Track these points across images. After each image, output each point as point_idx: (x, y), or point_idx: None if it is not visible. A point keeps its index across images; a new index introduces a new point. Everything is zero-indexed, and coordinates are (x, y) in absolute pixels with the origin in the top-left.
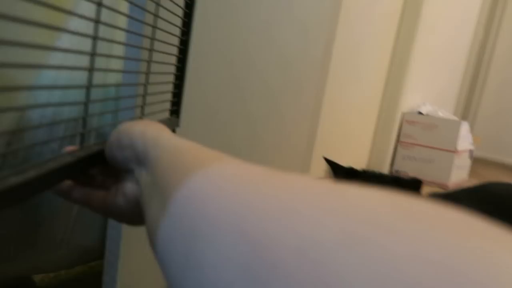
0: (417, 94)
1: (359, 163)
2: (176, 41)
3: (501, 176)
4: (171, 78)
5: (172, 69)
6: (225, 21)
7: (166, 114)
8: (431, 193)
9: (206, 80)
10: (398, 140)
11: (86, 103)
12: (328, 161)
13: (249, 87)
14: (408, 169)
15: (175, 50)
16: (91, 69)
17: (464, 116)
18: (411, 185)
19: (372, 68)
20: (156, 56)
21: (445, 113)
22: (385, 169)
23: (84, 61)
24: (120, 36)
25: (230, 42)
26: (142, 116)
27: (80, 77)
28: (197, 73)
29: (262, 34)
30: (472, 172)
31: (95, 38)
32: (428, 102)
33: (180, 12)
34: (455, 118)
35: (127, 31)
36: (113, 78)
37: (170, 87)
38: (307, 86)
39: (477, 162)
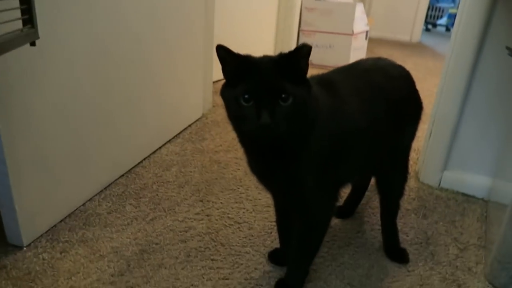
0: None
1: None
2: None
3: (394, 52)
4: None
5: None
6: None
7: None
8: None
9: None
10: (299, 29)
11: None
12: (223, 49)
13: None
14: (312, 57)
15: None
16: None
17: None
18: (306, 46)
19: None
20: None
21: None
22: None
23: None
24: None
25: None
26: None
27: None
28: None
29: None
30: (369, 52)
31: None
32: None
33: None
34: (350, 1)
35: None
36: None
37: None
38: None
39: (372, 42)
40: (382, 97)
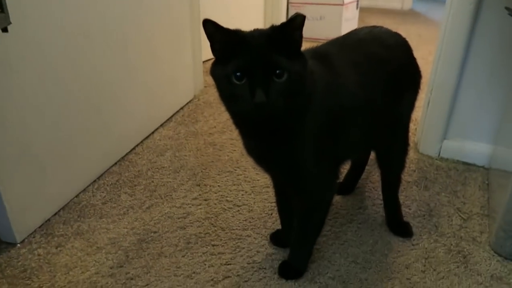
0: None
1: None
2: None
3: (386, 20)
4: None
5: None
6: None
7: None
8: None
9: None
10: (288, 2)
11: None
12: (210, 24)
13: None
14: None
15: None
16: None
17: None
18: (300, 16)
19: None
20: None
21: None
22: None
23: None
24: None
25: None
26: None
27: None
28: None
29: None
30: (360, 22)
31: None
32: None
33: None
34: None
35: None
36: None
37: None
38: None
39: (363, 11)
40: (380, 68)
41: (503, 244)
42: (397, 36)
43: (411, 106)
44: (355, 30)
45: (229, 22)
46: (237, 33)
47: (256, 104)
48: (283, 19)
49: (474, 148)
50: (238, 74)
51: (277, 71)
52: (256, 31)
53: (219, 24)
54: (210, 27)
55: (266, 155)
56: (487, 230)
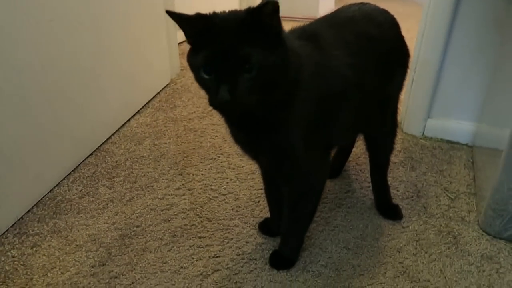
0: None
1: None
2: None
3: None
4: None
5: None
6: None
7: None
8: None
9: None
10: None
11: None
12: (172, 14)
13: None
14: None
15: None
16: None
17: None
18: (271, 3)
19: None
20: None
21: None
22: None
23: None
24: None
25: None
26: None
27: None
28: None
29: None
30: (338, 0)
31: None
32: None
33: None
34: None
35: None
36: None
37: None
38: None
39: None
40: (371, 47)
41: (492, 223)
42: (386, 13)
43: (400, 87)
44: (343, 8)
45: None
46: (205, 20)
47: (219, 102)
48: None
49: (458, 127)
50: (205, 67)
51: (246, 65)
52: (231, 15)
53: (183, 14)
54: (175, 17)
55: (253, 144)
56: (474, 209)
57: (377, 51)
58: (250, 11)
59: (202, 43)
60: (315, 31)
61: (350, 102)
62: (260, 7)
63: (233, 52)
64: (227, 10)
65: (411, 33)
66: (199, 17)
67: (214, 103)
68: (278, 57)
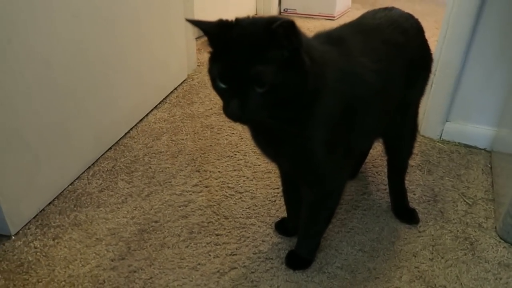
0: None
1: (248, 10)
2: None
3: None
4: None
5: None
6: None
7: None
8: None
9: None
10: None
11: None
12: (193, 22)
13: None
14: (296, 6)
15: None
16: None
17: None
18: (283, 26)
19: None
20: None
21: None
22: (274, 11)
23: None
24: None
25: None
26: None
27: None
28: None
29: None
30: None
31: None
32: None
33: None
34: None
35: None
36: None
37: None
38: None
39: None
40: (396, 54)
41: (510, 231)
42: (411, 19)
43: (422, 91)
44: (369, 13)
45: (221, 6)
46: (222, 28)
47: (229, 116)
48: None
49: (476, 131)
50: (219, 79)
51: (258, 83)
52: (250, 27)
53: (200, 21)
54: (194, 24)
55: (273, 147)
56: (492, 215)
57: (402, 58)
58: (267, 27)
59: (220, 53)
60: (342, 36)
61: (374, 108)
62: (273, 29)
63: (245, 70)
64: (251, 16)
65: (428, 32)
66: (218, 25)
67: (226, 114)
68: (294, 75)
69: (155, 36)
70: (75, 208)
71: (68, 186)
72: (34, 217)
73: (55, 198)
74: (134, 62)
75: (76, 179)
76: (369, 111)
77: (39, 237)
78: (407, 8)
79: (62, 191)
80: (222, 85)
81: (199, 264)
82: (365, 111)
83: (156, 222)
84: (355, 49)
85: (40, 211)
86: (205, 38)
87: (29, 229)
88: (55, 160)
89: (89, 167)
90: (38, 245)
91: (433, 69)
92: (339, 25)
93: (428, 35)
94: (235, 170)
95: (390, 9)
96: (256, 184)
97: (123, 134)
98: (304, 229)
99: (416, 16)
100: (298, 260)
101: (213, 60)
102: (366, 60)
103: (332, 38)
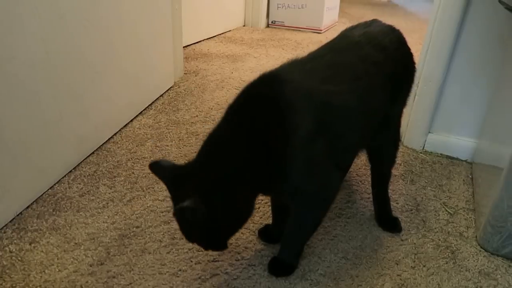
0: None
1: (236, 22)
2: None
3: (366, 12)
4: None
5: None
6: None
7: None
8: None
9: None
10: None
11: None
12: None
13: None
14: (284, 19)
15: None
16: None
17: None
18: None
19: None
20: None
21: None
22: (262, 23)
23: None
24: None
25: None
26: None
27: None
28: None
29: None
30: (341, 12)
31: None
32: None
33: None
34: None
35: None
36: None
37: None
38: None
39: (344, 2)
40: (378, 71)
41: (490, 240)
42: (392, 33)
43: (404, 102)
44: (348, 31)
45: (211, 4)
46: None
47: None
48: (264, 7)
49: (458, 142)
50: None
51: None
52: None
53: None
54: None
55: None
56: (473, 225)
57: (384, 74)
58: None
59: None
60: (316, 62)
61: (355, 127)
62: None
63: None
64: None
65: (413, 48)
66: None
67: None
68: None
69: (142, 42)
70: (54, 212)
71: (48, 190)
72: (10, 221)
73: (33, 201)
74: (120, 67)
75: (56, 183)
76: (350, 130)
77: (15, 241)
78: (392, 24)
79: (41, 195)
80: None
81: (180, 270)
82: (345, 132)
83: (137, 227)
84: (331, 74)
85: (17, 215)
86: (192, 47)
87: (4, 232)
88: (35, 163)
89: (70, 171)
90: (14, 249)
91: (415, 82)
92: (318, 47)
93: (412, 51)
94: None
95: (370, 24)
96: None
97: (107, 139)
98: (288, 236)
99: (402, 32)
100: (281, 267)
101: None
102: (343, 82)
103: (305, 66)
